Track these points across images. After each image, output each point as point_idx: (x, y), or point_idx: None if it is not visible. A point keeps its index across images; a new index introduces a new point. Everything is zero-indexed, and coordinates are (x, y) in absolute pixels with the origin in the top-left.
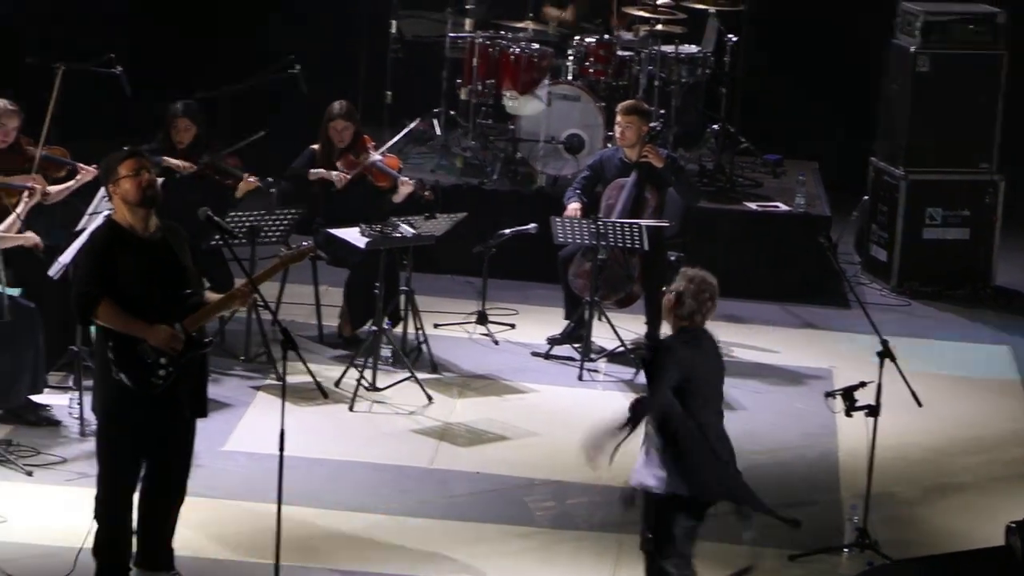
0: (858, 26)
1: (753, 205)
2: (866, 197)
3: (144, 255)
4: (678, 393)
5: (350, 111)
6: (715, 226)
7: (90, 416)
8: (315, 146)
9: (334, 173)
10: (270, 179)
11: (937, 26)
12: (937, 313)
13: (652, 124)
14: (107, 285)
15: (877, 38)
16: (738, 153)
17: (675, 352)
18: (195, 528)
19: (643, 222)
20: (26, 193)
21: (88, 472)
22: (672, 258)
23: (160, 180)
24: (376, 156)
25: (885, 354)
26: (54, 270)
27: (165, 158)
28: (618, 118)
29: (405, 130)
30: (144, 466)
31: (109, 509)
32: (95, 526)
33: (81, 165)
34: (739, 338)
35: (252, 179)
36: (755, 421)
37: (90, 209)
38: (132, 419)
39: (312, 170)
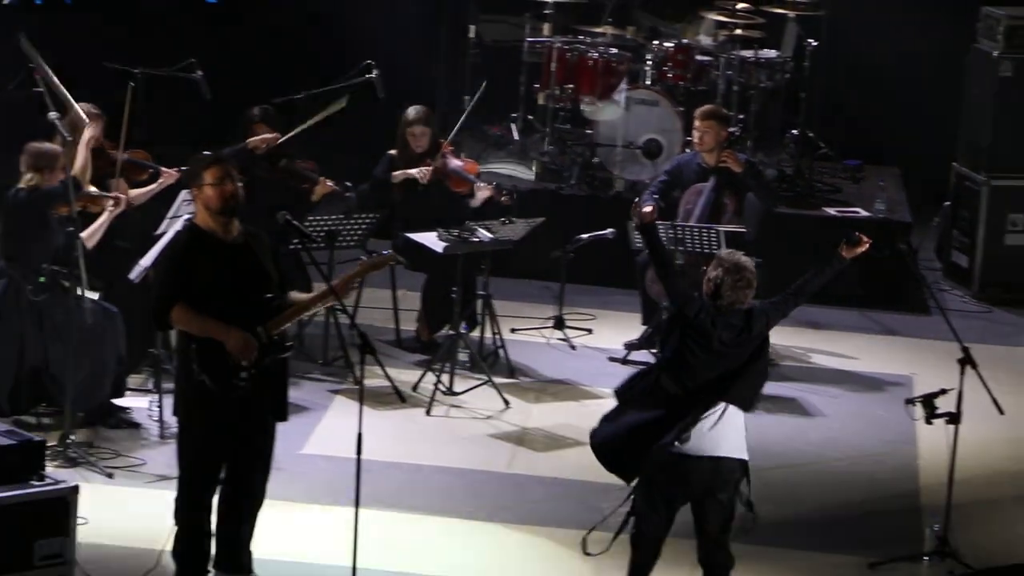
0: (940, 30)
1: (832, 211)
2: (947, 203)
3: (225, 259)
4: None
5: (426, 116)
6: (794, 232)
7: (170, 419)
8: (393, 151)
9: (415, 170)
10: (347, 183)
11: (1020, 31)
12: (1018, 320)
13: (731, 129)
14: (184, 290)
15: (959, 43)
16: (817, 158)
17: (698, 303)
18: (273, 531)
19: (721, 227)
20: (111, 203)
21: (168, 474)
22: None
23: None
24: (455, 162)
25: (966, 361)
26: (135, 273)
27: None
28: (696, 123)
29: (465, 112)
30: (224, 469)
31: (189, 511)
32: (175, 528)
33: (163, 168)
34: (819, 344)
35: (329, 183)
36: (835, 428)
37: (171, 212)
38: (213, 421)
39: (394, 173)
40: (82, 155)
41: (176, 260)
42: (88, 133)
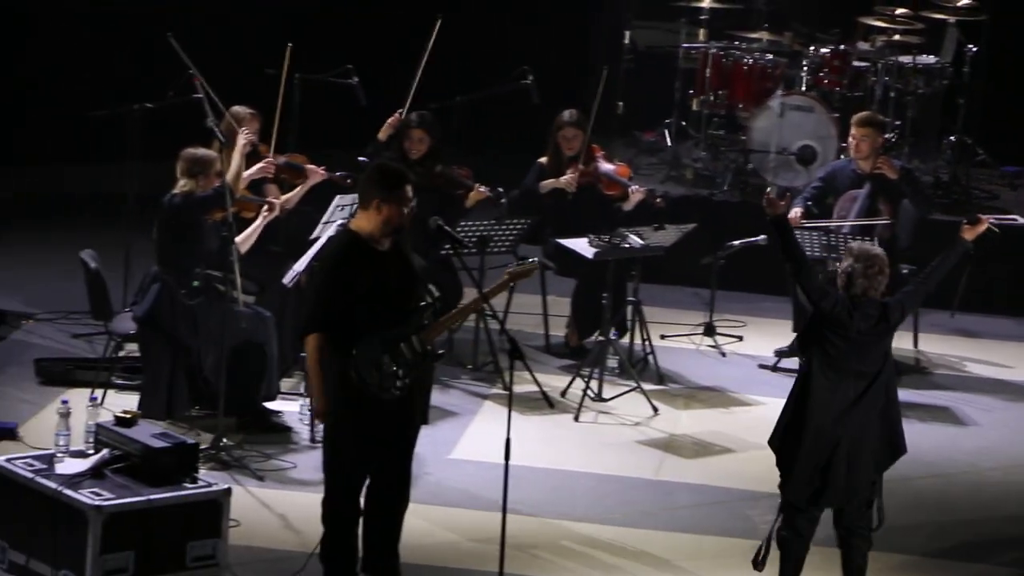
0: None
1: (989, 218)
2: None
3: (382, 266)
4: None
5: (580, 119)
6: (949, 239)
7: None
8: (542, 159)
9: (563, 179)
10: (500, 190)
11: None
12: None
13: (887, 135)
14: (341, 295)
15: None
16: (975, 165)
17: (833, 296)
18: (421, 536)
19: (873, 220)
20: (265, 208)
21: (317, 478)
22: (904, 271)
23: None
24: (607, 165)
25: None
26: (288, 278)
27: None
28: (853, 130)
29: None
30: (370, 473)
31: (337, 514)
32: (323, 531)
33: (309, 166)
34: (974, 353)
35: (483, 189)
36: (989, 438)
37: (325, 217)
38: (364, 424)
39: (542, 183)
40: (236, 160)
41: (335, 265)
42: (243, 139)
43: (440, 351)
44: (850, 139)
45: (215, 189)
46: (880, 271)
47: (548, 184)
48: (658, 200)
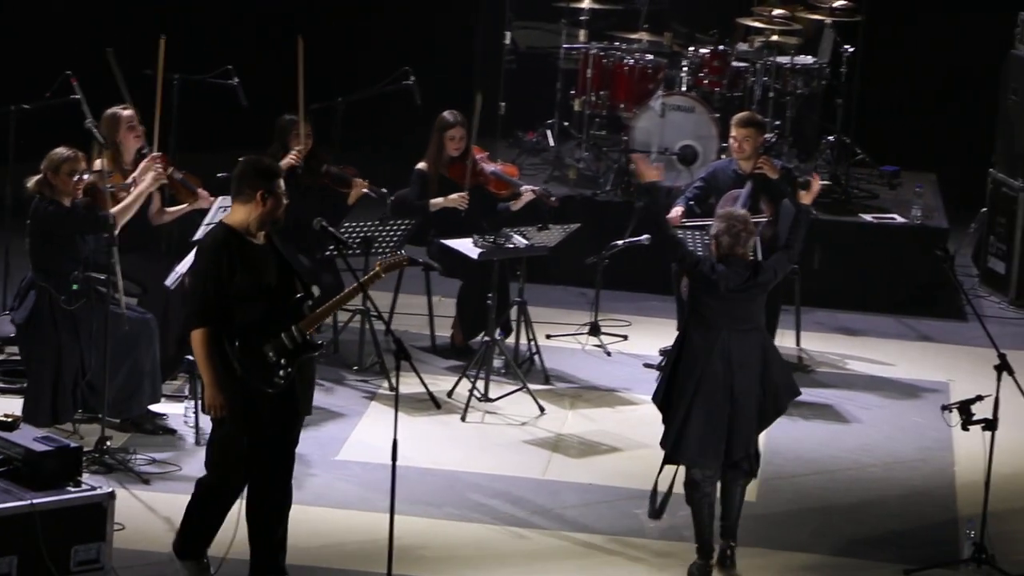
0: (977, 36)
1: (868, 217)
2: (984, 209)
3: (258, 260)
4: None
5: (464, 120)
6: (830, 238)
7: (205, 424)
8: (421, 165)
9: (453, 197)
10: (384, 190)
11: None
12: None
13: (766, 136)
14: (222, 288)
15: (996, 48)
16: (854, 164)
17: (704, 258)
18: (308, 537)
19: (754, 218)
20: (188, 203)
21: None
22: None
23: None
24: (493, 166)
25: (1003, 367)
26: (171, 279)
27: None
28: (734, 131)
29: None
30: (256, 468)
31: (216, 499)
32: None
33: (201, 191)
34: (855, 351)
35: (363, 184)
36: (871, 434)
37: (207, 219)
38: (253, 416)
39: (432, 201)
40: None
41: (213, 260)
42: (152, 175)
43: (320, 341)
44: (731, 140)
45: (99, 216)
46: (744, 228)
47: (438, 203)
48: (552, 199)
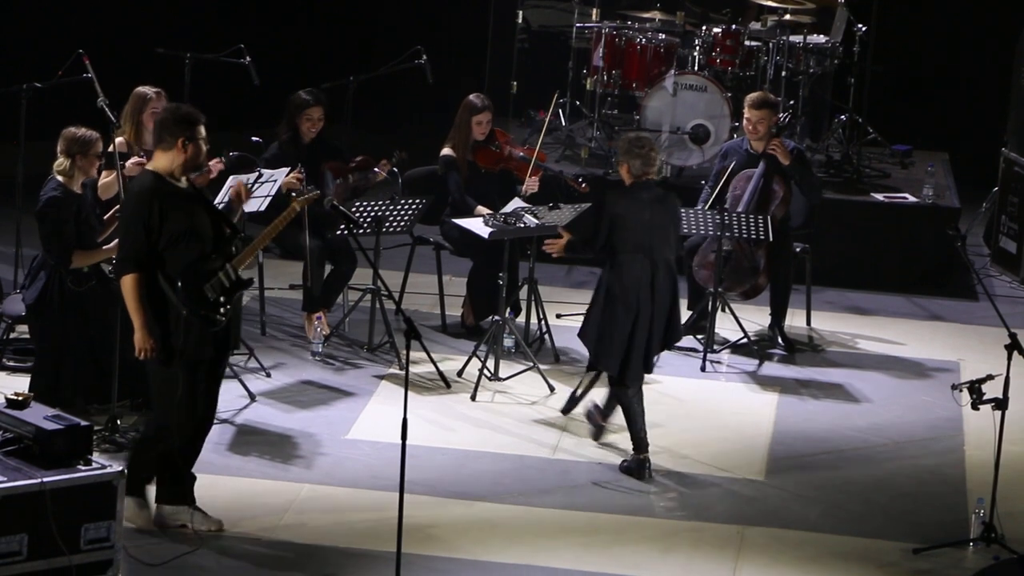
0: (990, 15)
1: (880, 196)
2: (996, 188)
3: (186, 203)
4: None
5: (491, 105)
6: (842, 217)
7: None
8: (447, 151)
9: (516, 200)
10: (395, 168)
11: None
12: None
13: (779, 115)
14: (148, 252)
15: (1009, 27)
16: (866, 144)
17: (606, 206)
18: (318, 516)
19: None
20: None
21: (212, 459)
22: (797, 249)
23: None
24: (521, 151)
25: (1013, 347)
26: None
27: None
28: (748, 112)
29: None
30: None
31: (158, 441)
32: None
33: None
34: (865, 330)
35: (381, 170)
36: (881, 414)
37: (218, 198)
38: (190, 355)
39: (480, 209)
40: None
41: (142, 206)
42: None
43: (249, 278)
44: (745, 121)
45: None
46: (651, 148)
47: (481, 212)
48: (583, 185)
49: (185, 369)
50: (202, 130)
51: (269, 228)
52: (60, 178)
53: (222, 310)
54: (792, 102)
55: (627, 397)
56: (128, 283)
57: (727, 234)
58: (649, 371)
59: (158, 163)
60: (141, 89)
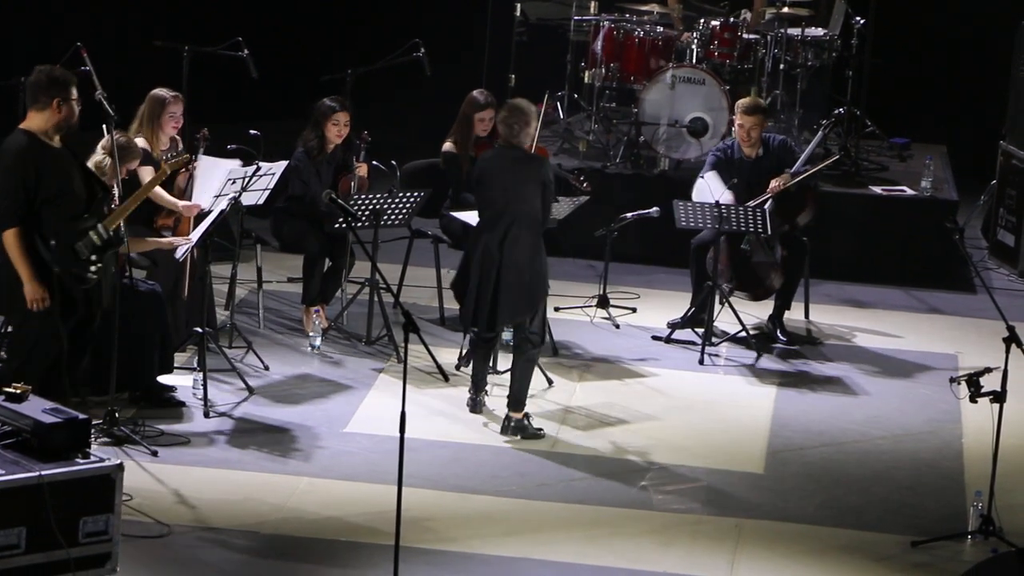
0: (989, 7)
1: (878, 189)
2: (994, 181)
3: (59, 163)
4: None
5: (495, 101)
6: (840, 210)
7: (214, 397)
8: (448, 146)
9: None
10: (392, 162)
11: None
12: None
13: (827, 121)
14: (25, 206)
15: (1007, 19)
16: (864, 137)
17: (477, 165)
18: (316, 508)
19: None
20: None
21: (212, 454)
22: (804, 239)
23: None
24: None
25: (1011, 339)
26: (180, 252)
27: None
28: (740, 119)
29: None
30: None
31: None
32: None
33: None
34: (863, 323)
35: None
36: (879, 406)
37: (216, 191)
38: (66, 308)
39: None
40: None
41: (17, 164)
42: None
43: (121, 235)
44: (737, 127)
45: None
46: (526, 123)
47: None
48: (585, 184)
49: (59, 323)
50: (75, 91)
51: (140, 190)
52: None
53: (93, 268)
54: (778, 92)
55: (478, 344)
56: (10, 238)
57: (726, 227)
58: (492, 329)
59: (32, 123)
60: (158, 92)
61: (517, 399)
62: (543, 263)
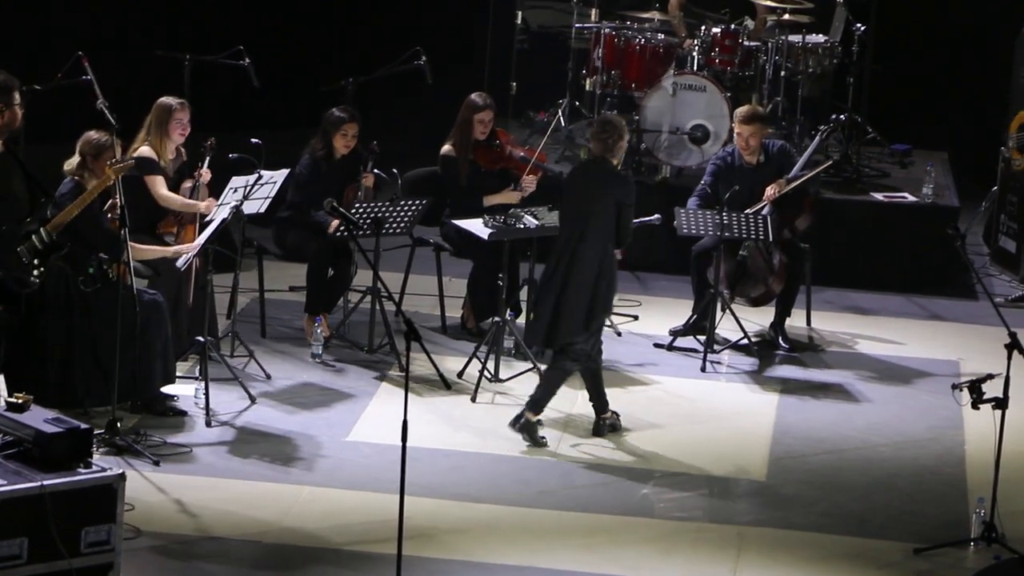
0: (989, 14)
1: (880, 196)
2: (995, 188)
3: (3, 167)
4: None
5: (493, 103)
6: (841, 217)
7: (216, 406)
8: (447, 149)
9: (512, 193)
10: (394, 170)
11: None
12: None
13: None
14: None
15: (1009, 26)
16: (865, 143)
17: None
18: (318, 517)
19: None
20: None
21: (214, 463)
22: (804, 246)
23: None
24: (522, 151)
25: (1013, 346)
26: (181, 262)
27: None
28: (739, 127)
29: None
30: None
31: None
32: None
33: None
34: (865, 330)
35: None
36: (881, 413)
37: (220, 200)
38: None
39: (487, 199)
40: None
41: None
42: (203, 206)
43: (62, 241)
44: (736, 136)
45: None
46: (620, 136)
47: (494, 200)
48: None
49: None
50: (18, 96)
51: (84, 194)
52: (76, 177)
53: (35, 272)
54: (778, 99)
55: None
56: None
57: (727, 234)
58: (550, 345)
59: None
60: (165, 99)
61: (537, 402)
62: (608, 285)
